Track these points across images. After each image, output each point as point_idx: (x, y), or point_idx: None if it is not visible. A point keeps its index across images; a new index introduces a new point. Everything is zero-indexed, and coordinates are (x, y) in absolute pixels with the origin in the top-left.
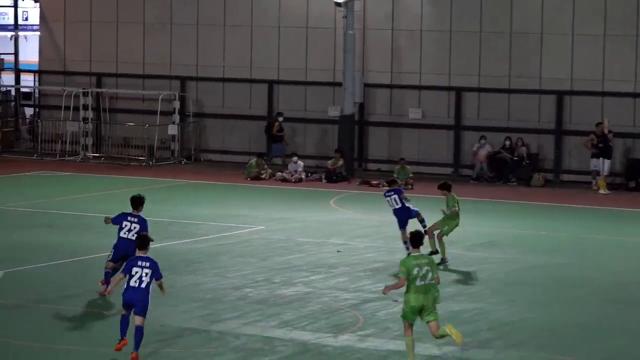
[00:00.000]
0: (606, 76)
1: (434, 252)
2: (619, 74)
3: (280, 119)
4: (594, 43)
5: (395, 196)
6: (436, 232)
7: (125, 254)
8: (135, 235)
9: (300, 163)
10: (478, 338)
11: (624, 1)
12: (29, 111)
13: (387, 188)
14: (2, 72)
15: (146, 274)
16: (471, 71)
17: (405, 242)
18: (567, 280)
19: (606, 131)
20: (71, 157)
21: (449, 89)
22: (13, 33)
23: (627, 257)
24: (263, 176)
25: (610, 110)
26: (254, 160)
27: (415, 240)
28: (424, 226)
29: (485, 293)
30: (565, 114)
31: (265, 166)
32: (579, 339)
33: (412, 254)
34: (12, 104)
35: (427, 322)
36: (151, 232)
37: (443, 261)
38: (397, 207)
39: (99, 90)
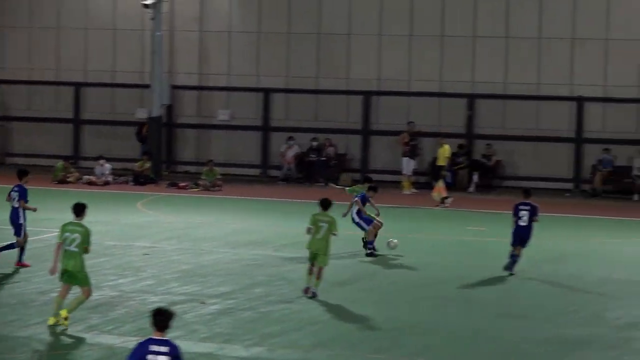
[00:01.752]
0: (413, 76)
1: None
2: (425, 74)
3: None
4: (401, 44)
5: (358, 200)
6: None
7: None
8: None
9: (108, 166)
10: (286, 338)
11: (430, 2)
12: None
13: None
14: None
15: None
16: (279, 72)
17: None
18: (378, 277)
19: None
20: None
21: (257, 90)
22: None
23: (436, 253)
24: (70, 179)
25: (417, 110)
26: (60, 163)
27: (77, 209)
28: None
29: (295, 293)
30: (372, 114)
31: (72, 169)
32: (390, 337)
33: (72, 221)
34: None
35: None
36: None
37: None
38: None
39: None
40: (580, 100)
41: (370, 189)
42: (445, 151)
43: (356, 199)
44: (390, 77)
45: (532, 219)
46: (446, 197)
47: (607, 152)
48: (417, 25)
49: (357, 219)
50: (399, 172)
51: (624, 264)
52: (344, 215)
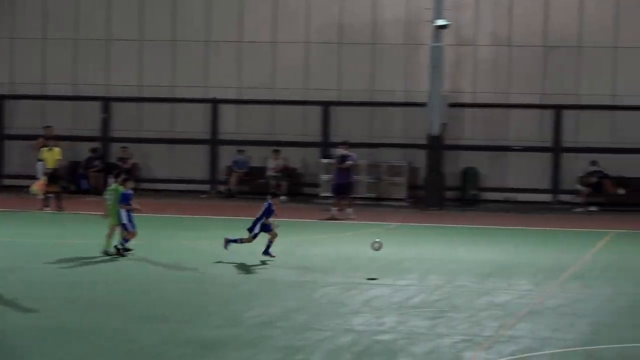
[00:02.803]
0: (48, 79)
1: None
2: (59, 77)
3: None
4: (34, 47)
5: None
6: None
7: None
8: None
9: None
10: None
11: (63, 5)
12: None
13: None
14: None
15: None
16: None
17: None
18: (22, 283)
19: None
20: None
21: None
22: None
23: (78, 258)
24: None
25: (52, 113)
26: None
27: None
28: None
29: None
30: (6, 119)
31: None
32: (31, 344)
33: None
34: None
35: None
36: None
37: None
38: None
39: None
40: (214, 102)
41: (123, 181)
42: (55, 154)
43: (121, 204)
44: (23, 80)
45: (263, 216)
46: (46, 197)
47: (242, 153)
48: (51, 28)
49: (124, 220)
50: (34, 177)
51: (265, 262)
52: (121, 220)
